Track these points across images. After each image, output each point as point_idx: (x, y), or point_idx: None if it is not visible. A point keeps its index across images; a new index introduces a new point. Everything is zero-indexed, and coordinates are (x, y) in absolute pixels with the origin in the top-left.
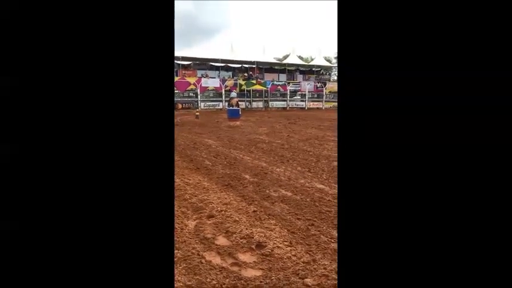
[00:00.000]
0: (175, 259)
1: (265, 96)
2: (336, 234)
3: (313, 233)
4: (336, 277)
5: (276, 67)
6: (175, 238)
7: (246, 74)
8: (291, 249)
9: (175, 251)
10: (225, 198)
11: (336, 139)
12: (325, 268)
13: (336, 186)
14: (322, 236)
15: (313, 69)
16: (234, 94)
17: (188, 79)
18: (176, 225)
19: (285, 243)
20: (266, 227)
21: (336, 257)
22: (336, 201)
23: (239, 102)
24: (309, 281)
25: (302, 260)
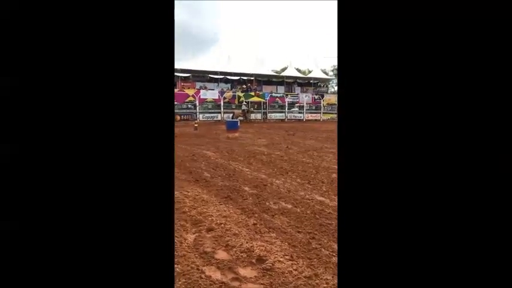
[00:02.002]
0: (174, 274)
1: (263, 108)
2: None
3: (314, 246)
4: None
5: (274, 79)
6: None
7: (244, 86)
8: (292, 264)
9: (175, 266)
10: (225, 211)
11: (335, 151)
12: (327, 283)
13: (336, 198)
14: (323, 250)
15: (311, 81)
16: (244, 107)
17: (187, 91)
18: (175, 239)
19: (286, 257)
20: (266, 241)
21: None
22: (336, 213)
23: (246, 114)
24: None
25: (304, 274)
